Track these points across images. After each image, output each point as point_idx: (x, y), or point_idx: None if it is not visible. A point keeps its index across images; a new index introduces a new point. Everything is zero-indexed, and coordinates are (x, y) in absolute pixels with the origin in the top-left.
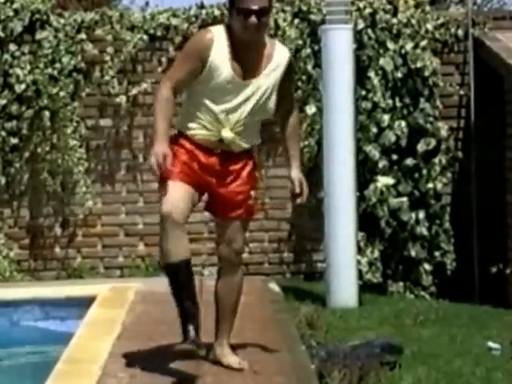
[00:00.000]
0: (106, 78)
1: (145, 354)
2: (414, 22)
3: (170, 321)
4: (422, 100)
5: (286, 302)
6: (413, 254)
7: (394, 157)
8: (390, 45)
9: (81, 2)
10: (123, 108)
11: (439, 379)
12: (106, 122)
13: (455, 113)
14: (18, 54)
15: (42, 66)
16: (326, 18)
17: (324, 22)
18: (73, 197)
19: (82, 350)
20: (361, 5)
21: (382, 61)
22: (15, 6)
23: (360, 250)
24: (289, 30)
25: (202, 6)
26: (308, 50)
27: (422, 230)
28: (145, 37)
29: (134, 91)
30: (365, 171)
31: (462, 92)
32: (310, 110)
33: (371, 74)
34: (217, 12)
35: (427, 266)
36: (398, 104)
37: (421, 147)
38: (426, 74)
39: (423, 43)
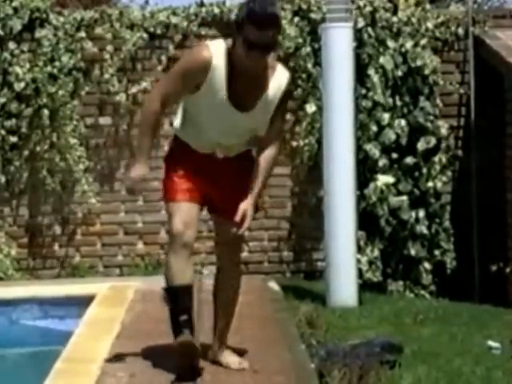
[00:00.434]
0: (106, 76)
1: (144, 353)
2: (414, 20)
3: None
4: (422, 98)
5: (286, 300)
6: (413, 252)
7: (394, 155)
8: (390, 43)
9: (80, 1)
10: (123, 106)
11: (439, 378)
12: (105, 121)
13: (455, 111)
14: (17, 52)
15: (41, 64)
16: (326, 16)
17: (324, 21)
18: (72, 195)
19: (81, 349)
20: (361, 3)
21: (382, 59)
22: (14, 4)
23: (360, 249)
24: (289, 28)
25: (201, 4)
26: (308, 49)
27: (422, 228)
28: (144, 35)
29: (134, 89)
30: (365, 170)
31: (462, 90)
32: (310, 108)
33: (371, 72)
34: (216, 10)
35: (427, 265)
36: (398, 102)
37: (421, 146)
38: (426, 72)
39: (423, 41)
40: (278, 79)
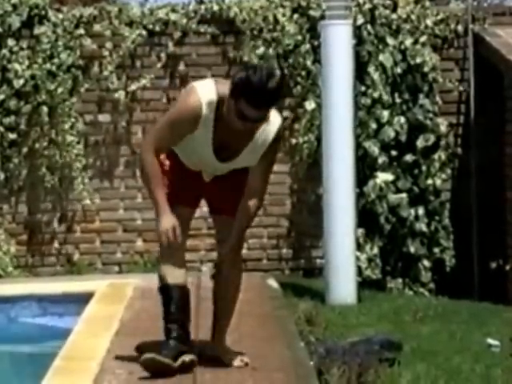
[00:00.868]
0: (105, 73)
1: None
2: (413, 17)
3: None
4: (421, 96)
5: (285, 298)
6: (412, 250)
7: (394, 153)
8: (390, 40)
9: None
10: (122, 103)
11: (438, 376)
12: (104, 118)
13: (455, 109)
14: (16, 49)
15: (40, 61)
16: (325, 13)
17: (323, 18)
18: (71, 192)
19: (79, 346)
20: (360, 0)
21: (381, 56)
22: (13, 0)
23: (359, 247)
24: (288, 26)
25: (201, 1)
26: (307, 46)
27: (422, 226)
28: (143, 32)
29: (133, 87)
30: (364, 167)
31: (461, 88)
32: (310, 105)
33: (371, 69)
34: (216, 7)
35: (426, 263)
36: (398, 100)
37: (420, 143)
38: (426, 69)
39: (423, 39)
40: (269, 127)
